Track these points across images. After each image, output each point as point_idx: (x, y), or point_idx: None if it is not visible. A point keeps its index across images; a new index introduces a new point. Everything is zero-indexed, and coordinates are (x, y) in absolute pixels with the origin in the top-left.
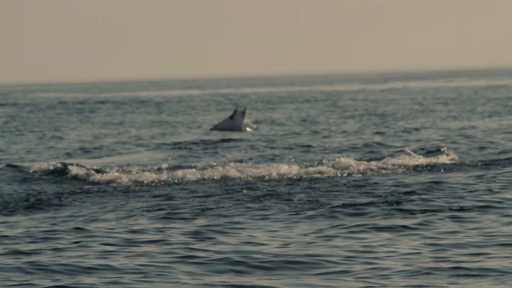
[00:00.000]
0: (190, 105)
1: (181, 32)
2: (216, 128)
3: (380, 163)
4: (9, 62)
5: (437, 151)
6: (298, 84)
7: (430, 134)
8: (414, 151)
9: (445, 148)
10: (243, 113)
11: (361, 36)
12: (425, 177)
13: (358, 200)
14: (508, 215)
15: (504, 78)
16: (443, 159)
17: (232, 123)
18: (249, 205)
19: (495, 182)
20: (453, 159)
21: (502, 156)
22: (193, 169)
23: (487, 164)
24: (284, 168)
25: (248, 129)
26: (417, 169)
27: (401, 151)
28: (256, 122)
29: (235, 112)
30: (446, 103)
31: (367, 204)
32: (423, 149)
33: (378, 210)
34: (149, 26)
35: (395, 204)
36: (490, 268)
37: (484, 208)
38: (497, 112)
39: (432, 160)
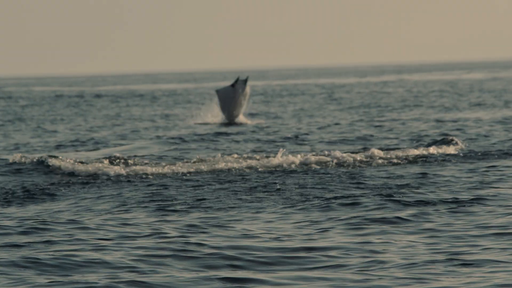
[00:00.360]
0: (186, 99)
1: (176, 25)
2: (218, 93)
3: (375, 155)
4: (3, 55)
5: (440, 141)
6: (294, 77)
7: (425, 126)
8: (411, 143)
9: (453, 138)
10: (245, 81)
11: (357, 29)
12: (420, 169)
13: (353, 192)
14: (502, 206)
15: (499, 71)
16: (450, 149)
17: (233, 91)
18: (245, 197)
19: (489, 174)
20: (458, 149)
21: (497, 148)
22: (188, 161)
23: (482, 156)
24: (279, 160)
25: (241, 117)
26: (412, 161)
27: (397, 144)
28: (251, 114)
29: (237, 80)
30: (442, 95)
31: (363, 196)
32: (418, 141)
33: (373, 202)
34: (145, 19)
35: (390, 196)
36: (486, 259)
37: (479, 200)
38: (492, 105)
39: (429, 151)
